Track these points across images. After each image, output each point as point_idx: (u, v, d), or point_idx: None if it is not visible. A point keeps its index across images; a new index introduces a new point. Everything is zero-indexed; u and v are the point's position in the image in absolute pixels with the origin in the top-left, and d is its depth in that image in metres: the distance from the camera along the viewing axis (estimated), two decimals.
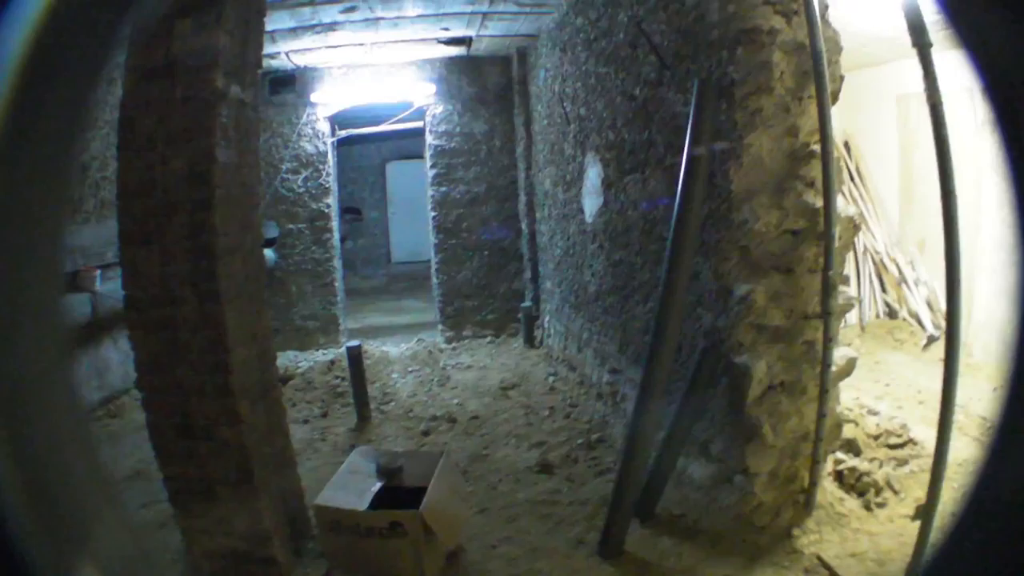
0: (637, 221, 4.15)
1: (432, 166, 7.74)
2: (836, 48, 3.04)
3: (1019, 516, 0.48)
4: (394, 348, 7.48)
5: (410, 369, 6.74)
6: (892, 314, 6.24)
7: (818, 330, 3.03)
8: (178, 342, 2.68)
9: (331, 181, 7.65)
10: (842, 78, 3.08)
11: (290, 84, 7.47)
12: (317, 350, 7.63)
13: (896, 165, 6.27)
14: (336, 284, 7.74)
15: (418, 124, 7.95)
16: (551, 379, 6.20)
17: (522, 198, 7.57)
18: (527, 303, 7.54)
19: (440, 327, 7.89)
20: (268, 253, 7.53)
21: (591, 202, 5.06)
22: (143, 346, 2.72)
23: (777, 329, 3.09)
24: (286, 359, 7.35)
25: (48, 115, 0.53)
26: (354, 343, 5.39)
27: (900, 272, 6.15)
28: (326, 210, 7.60)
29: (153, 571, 0.65)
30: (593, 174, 4.95)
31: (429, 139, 7.73)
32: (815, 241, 3.04)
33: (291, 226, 7.59)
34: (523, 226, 7.60)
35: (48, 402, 0.58)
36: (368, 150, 13.27)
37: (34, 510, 0.50)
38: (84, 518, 0.57)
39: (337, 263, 7.79)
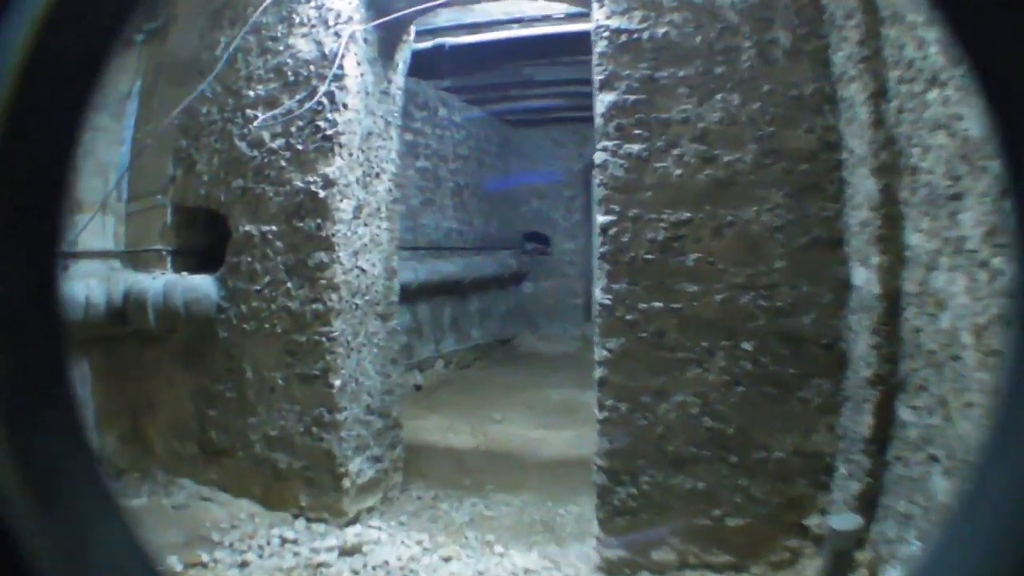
0: None
1: (602, 85, 2.83)
2: None
3: (1014, 518, 0.49)
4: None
5: None
6: None
7: None
8: None
9: (349, 124, 3.14)
10: None
11: None
12: (297, 517, 3.09)
13: None
14: (333, 380, 3.10)
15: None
16: None
17: (866, 184, 2.28)
18: (840, 515, 2.18)
19: (598, 533, 2.83)
20: (203, 284, 3.26)
21: None
22: None
23: None
24: (208, 527, 2.94)
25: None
26: None
27: None
28: (321, 192, 3.07)
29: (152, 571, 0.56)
30: None
31: (599, 16, 2.85)
32: None
33: (249, 228, 3.19)
34: (860, 267, 2.30)
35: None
36: (562, 139, 8.72)
37: (34, 509, 0.48)
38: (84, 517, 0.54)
39: (343, 325, 3.15)
